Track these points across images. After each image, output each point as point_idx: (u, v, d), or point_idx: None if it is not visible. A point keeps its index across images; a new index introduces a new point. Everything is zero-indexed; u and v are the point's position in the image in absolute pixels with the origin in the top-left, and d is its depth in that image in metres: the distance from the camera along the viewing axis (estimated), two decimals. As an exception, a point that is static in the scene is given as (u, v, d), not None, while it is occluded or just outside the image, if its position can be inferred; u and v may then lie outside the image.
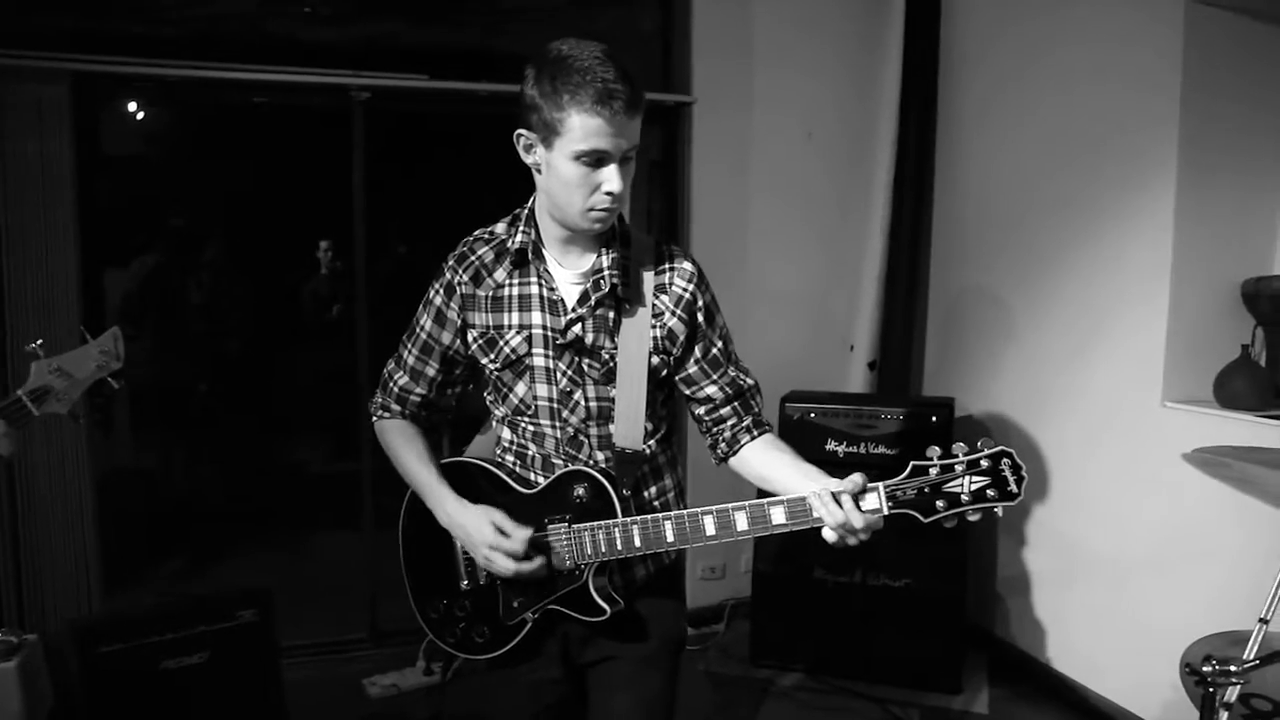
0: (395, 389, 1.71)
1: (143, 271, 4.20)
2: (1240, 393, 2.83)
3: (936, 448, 1.37)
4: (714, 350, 1.65)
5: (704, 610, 3.81)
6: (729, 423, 1.67)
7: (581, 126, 1.39)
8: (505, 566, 1.53)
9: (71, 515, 3.10)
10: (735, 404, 1.66)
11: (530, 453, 1.65)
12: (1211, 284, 2.98)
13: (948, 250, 3.84)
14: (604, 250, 1.57)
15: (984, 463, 1.33)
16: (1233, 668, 1.25)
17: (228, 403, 4.73)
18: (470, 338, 1.63)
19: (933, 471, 1.35)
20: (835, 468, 2.78)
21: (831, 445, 3.33)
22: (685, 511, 1.48)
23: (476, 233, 1.65)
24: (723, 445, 1.68)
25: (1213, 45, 2.91)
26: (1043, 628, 3.42)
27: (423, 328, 1.66)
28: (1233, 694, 1.33)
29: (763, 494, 1.55)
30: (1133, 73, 3.03)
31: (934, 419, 3.27)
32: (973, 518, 1.35)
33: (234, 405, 4.77)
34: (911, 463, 1.37)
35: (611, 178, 1.43)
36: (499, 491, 1.63)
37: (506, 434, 1.68)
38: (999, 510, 1.34)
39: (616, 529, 1.51)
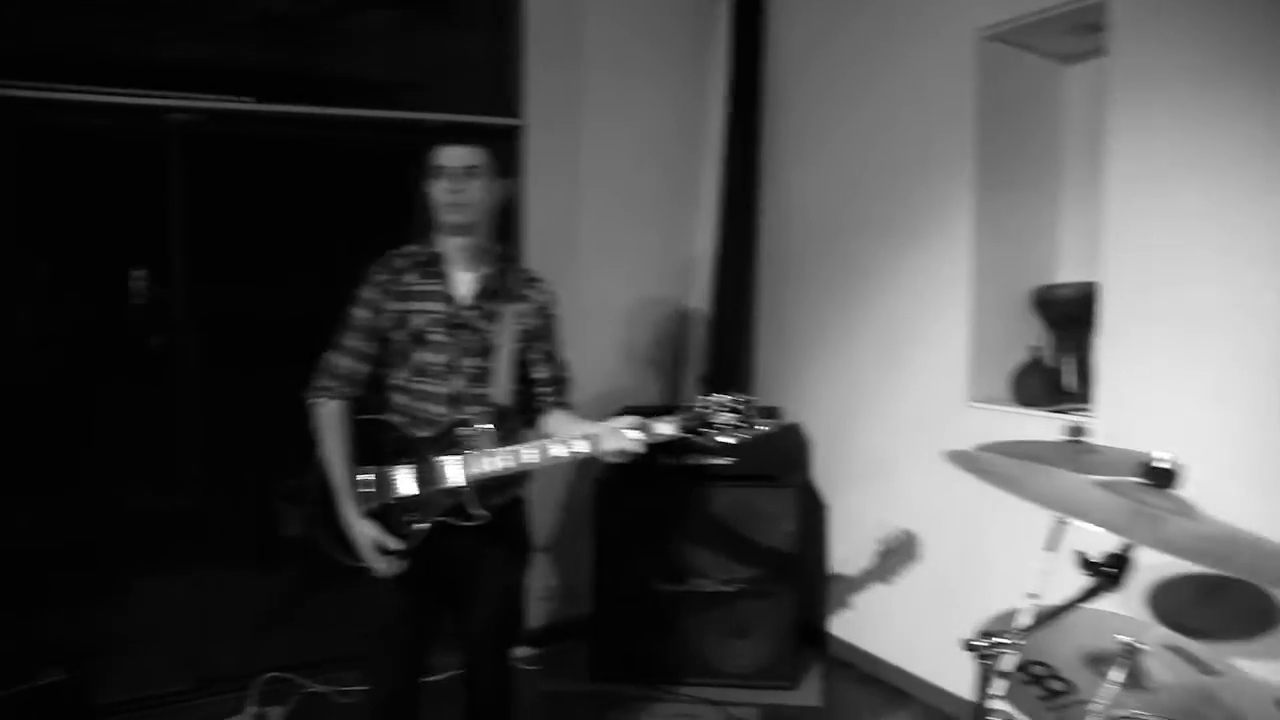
0: (342, 371, 2.23)
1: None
2: (1033, 391, 3.09)
3: (702, 397, 2.00)
4: (550, 348, 2.35)
5: (544, 630, 3.79)
6: (547, 398, 2.35)
7: (433, 159, 2.20)
8: (380, 569, 2.16)
9: None
10: (555, 386, 2.36)
11: (420, 410, 2.20)
12: (1006, 292, 3.25)
13: (775, 265, 4.01)
14: (488, 264, 2.27)
15: (738, 406, 1.99)
16: (1001, 639, 1.37)
17: (31, 439, 4.36)
18: (389, 319, 2.22)
19: (700, 409, 1.99)
20: (673, 478, 3.23)
21: (665, 458, 3.40)
22: (538, 441, 2.10)
23: (392, 251, 2.28)
24: (536, 409, 2.34)
25: (1002, 78, 3.18)
26: (868, 618, 3.62)
27: (360, 318, 2.24)
28: (1009, 662, 1.46)
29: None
30: (935, 100, 3.27)
31: (763, 426, 3.39)
32: (728, 439, 1.99)
33: (38, 442, 4.40)
34: (696, 401, 2.01)
35: (445, 183, 2.18)
36: (402, 440, 2.20)
37: (401, 399, 2.23)
38: (733, 440, 2.00)
39: (496, 454, 2.09)
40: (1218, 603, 2.43)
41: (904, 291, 3.42)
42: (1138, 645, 1.59)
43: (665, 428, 1.99)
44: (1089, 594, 1.40)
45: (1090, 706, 1.53)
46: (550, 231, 3.78)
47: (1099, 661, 1.73)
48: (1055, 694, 1.70)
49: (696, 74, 4.14)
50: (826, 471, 3.79)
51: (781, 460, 3.46)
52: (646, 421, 1.99)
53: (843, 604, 3.72)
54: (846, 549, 3.69)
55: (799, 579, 3.40)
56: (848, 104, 3.64)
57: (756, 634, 3.34)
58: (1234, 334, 2.43)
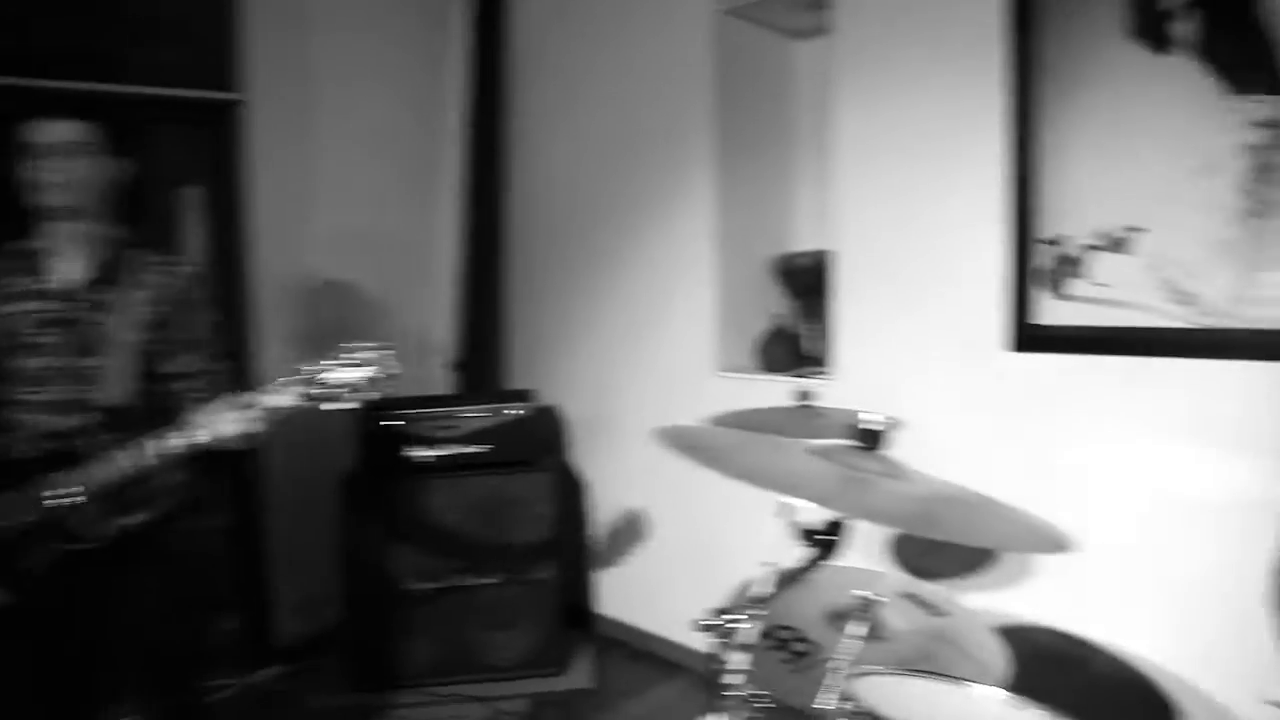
0: None
1: None
2: (777, 358, 3.19)
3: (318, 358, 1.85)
4: (189, 336, 2.06)
5: (295, 645, 3.50)
6: (192, 394, 2.02)
7: (26, 135, 1.93)
8: None
9: None
10: (199, 379, 2.06)
11: (24, 424, 1.92)
12: (749, 263, 3.32)
13: (525, 246, 3.92)
14: (102, 250, 2.00)
15: (369, 355, 1.84)
16: (734, 615, 1.35)
17: None
18: None
19: (310, 370, 1.83)
20: (421, 471, 3.11)
21: (420, 451, 3.23)
22: (159, 438, 1.84)
23: None
24: (175, 406, 1.99)
25: (739, 52, 3.23)
26: (632, 594, 3.62)
27: None
28: (747, 634, 1.44)
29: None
30: (676, 74, 3.27)
31: (515, 411, 3.30)
32: (370, 393, 1.84)
33: None
34: (318, 363, 1.84)
35: (40, 162, 1.92)
36: (5, 462, 1.88)
37: (5, 415, 1.93)
38: (376, 392, 1.84)
39: (112, 462, 1.83)
40: (948, 544, 2.60)
41: (650, 266, 3.42)
42: (874, 598, 1.63)
43: (277, 399, 1.84)
44: (811, 563, 1.40)
45: (830, 664, 1.54)
46: (281, 218, 3.46)
47: (839, 618, 1.77)
48: (800, 655, 1.72)
49: (434, 54, 3.94)
50: (586, 452, 3.75)
51: (535, 444, 3.36)
52: (253, 397, 1.85)
53: (608, 583, 3.70)
54: (606, 527, 3.67)
55: (561, 563, 3.33)
56: (591, 78, 3.59)
57: (521, 623, 3.24)
58: (944, 295, 2.59)
